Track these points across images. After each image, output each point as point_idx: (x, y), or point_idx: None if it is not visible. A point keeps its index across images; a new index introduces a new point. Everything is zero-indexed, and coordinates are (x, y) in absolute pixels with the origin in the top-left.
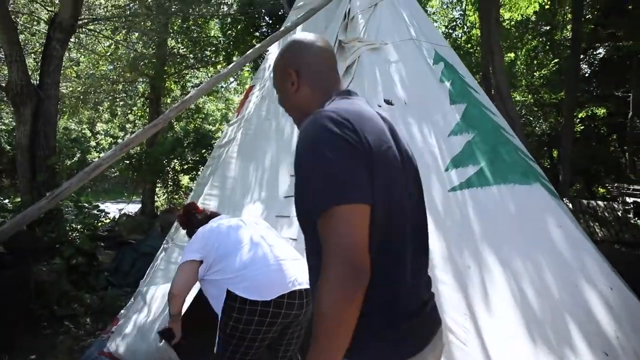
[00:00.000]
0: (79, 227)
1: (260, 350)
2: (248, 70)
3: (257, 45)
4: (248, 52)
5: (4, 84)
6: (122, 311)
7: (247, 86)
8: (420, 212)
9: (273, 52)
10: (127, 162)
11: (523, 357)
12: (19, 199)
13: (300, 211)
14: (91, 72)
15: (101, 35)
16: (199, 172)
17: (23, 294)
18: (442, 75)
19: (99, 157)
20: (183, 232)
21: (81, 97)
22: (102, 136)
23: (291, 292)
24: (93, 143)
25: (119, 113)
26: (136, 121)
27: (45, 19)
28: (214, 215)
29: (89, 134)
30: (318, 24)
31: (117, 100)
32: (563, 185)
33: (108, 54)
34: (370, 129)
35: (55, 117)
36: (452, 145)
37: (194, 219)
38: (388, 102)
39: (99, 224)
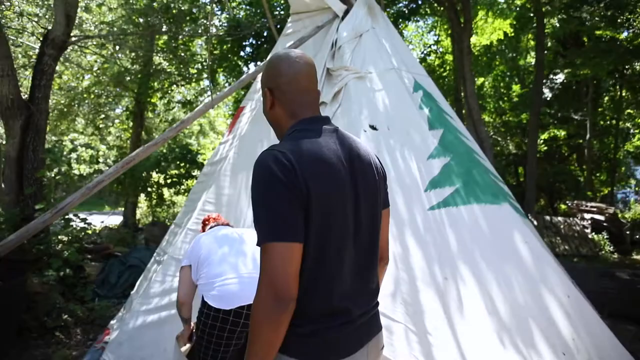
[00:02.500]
0: (64, 239)
1: (228, 354)
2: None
3: (252, 70)
4: (243, 77)
5: None
6: (112, 322)
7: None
8: (372, 233)
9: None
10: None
11: (493, 358)
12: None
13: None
14: (73, 84)
15: (88, 50)
16: (182, 186)
17: (17, 305)
18: (421, 103)
19: (79, 169)
20: (178, 244)
21: (65, 109)
22: (84, 149)
23: (251, 304)
24: (74, 155)
25: (102, 126)
26: (117, 134)
27: (31, 31)
28: (219, 224)
29: (70, 145)
30: (306, 51)
31: (100, 113)
32: (528, 202)
33: (95, 68)
34: (313, 171)
35: (44, 130)
36: (431, 167)
37: (206, 228)
38: (373, 128)
39: (85, 236)
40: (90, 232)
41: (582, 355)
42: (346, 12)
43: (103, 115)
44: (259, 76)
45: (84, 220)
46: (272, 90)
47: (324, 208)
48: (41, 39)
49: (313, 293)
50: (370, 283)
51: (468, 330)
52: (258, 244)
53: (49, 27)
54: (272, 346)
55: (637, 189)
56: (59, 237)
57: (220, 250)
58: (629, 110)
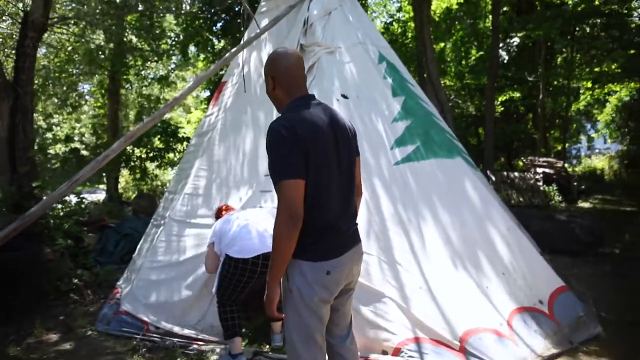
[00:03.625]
0: (61, 213)
1: (242, 294)
2: (203, 61)
3: (234, 49)
4: (227, 55)
5: None
6: (119, 282)
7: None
8: (349, 170)
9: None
10: (98, 151)
11: (448, 278)
12: None
13: (271, 177)
14: (44, 64)
15: (58, 30)
16: (165, 159)
17: (37, 271)
18: (385, 73)
19: (55, 148)
20: (177, 207)
21: (40, 89)
22: (59, 128)
23: (266, 254)
24: (49, 135)
25: (76, 104)
26: (91, 112)
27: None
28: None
29: (44, 125)
30: (280, 30)
31: (73, 92)
32: (487, 160)
33: (70, 48)
34: (308, 132)
35: (31, 111)
36: (395, 129)
37: (220, 215)
38: (344, 96)
39: (82, 210)
40: (83, 206)
41: (517, 274)
42: None
43: (75, 94)
44: (239, 56)
45: (78, 194)
46: (273, 78)
47: (316, 156)
48: (19, 21)
49: (313, 215)
50: (350, 208)
51: (428, 258)
52: (274, 183)
53: (16, 5)
54: (288, 252)
55: (588, 144)
56: (55, 212)
57: (234, 222)
58: (578, 71)
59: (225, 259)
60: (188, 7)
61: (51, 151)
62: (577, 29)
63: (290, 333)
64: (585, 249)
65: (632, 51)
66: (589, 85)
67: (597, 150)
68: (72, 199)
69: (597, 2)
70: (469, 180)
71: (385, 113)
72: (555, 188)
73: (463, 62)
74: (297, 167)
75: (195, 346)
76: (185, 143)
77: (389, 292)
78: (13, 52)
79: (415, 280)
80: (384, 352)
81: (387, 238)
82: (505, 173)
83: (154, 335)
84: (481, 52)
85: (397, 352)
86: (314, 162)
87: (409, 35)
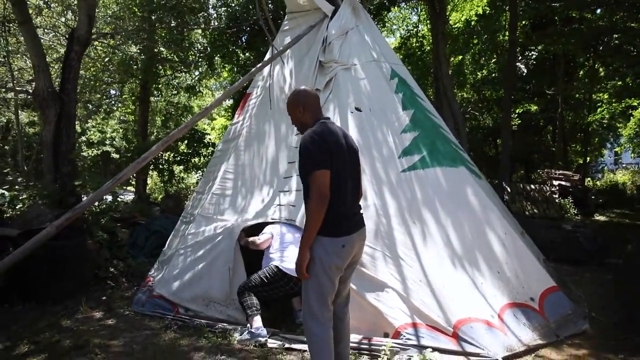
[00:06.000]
0: (98, 210)
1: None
2: (228, 72)
3: (259, 65)
4: (253, 69)
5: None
6: (150, 272)
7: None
8: (356, 173)
9: (266, 69)
10: (129, 154)
11: (446, 274)
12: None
13: (301, 175)
14: (80, 72)
15: (97, 42)
16: (190, 163)
17: (82, 259)
18: (396, 88)
19: (89, 152)
20: (206, 205)
21: (77, 96)
22: (92, 132)
23: None
24: (84, 138)
25: (108, 110)
26: (121, 118)
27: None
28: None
29: (78, 129)
30: (301, 47)
31: (106, 99)
32: (503, 171)
33: (106, 59)
34: (330, 139)
35: (74, 117)
36: (403, 140)
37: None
38: (358, 109)
39: (118, 207)
40: (117, 204)
41: (511, 273)
42: (334, 12)
43: (108, 100)
44: (265, 71)
45: (114, 193)
46: (304, 106)
47: (337, 159)
48: (61, 33)
49: (333, 203)
50: (357, 200)
51: (429, 256)
52: (308, 174)
53: (61, 19)
54: (318, 224)
55: (615, 158)
56: (93, 208)
57: (288, 238)
58: (600, 84)
59: (275, 269)
60: (216, 23)
61: (84, 154)
62: (600, 41)
63: (307, 292)
64: (589, 258)
65: None
66: (606, 97)
67: (623, 165)
68: (108, 197)
69: (616, 17)
70: (471, 187)
71: (395, 125)
72: (570, 201)
73: (478, 74)
74: (326, 162)
75: (220, 325)
76: (210, 148)
77: (391, 283)
78: (53, 62)
79: (416, 274)
80: (386, 335)
81: (392, 237)
82: (521, 185)
83: (184, 316)
84: (494, 60)
85: (397, 334)
86: (335, 162)
87: (427, 48)
